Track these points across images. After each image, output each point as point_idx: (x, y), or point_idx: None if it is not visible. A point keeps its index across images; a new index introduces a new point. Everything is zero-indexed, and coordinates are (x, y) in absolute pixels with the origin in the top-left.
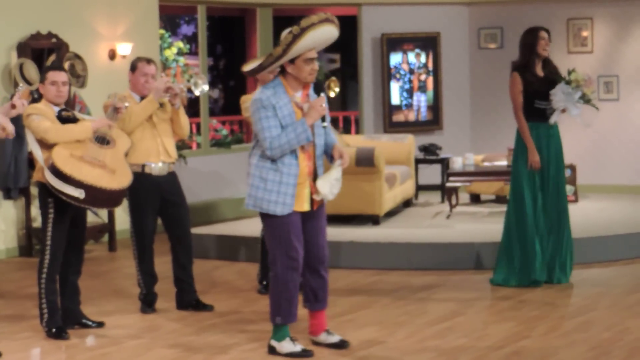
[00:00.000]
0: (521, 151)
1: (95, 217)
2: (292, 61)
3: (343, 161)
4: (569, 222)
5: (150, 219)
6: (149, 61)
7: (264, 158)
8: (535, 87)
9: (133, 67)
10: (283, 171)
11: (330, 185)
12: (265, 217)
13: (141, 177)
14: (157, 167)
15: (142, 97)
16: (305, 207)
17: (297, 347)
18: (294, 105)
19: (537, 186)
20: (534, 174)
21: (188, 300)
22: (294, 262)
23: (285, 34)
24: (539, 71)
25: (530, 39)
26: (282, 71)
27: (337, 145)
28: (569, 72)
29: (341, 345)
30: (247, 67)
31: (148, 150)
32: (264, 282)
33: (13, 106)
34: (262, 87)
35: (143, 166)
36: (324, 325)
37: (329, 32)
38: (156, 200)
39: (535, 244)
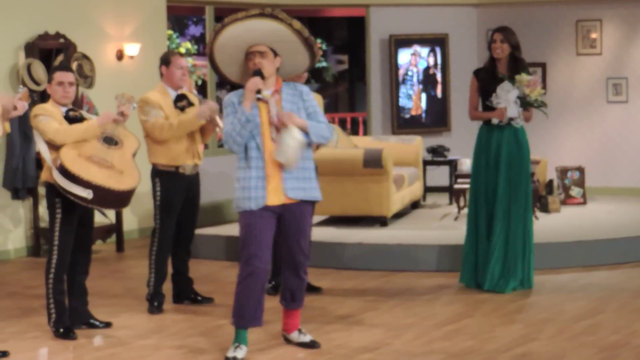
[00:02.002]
0: (478, 150)
1: (103, 217)
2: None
3: (279, 122)
4: (524, 229)
5: (175, 217)
6: (181, 54)
7: (239, 159)
8: (487, 87)
9: (166, 61)
10: (251, 166)
11: (283, 151)
12: (241, 217)
13: (174, 177)
14: (189, 167)
15: (177, 90)
16: (276, 200)
17: (236, 353)
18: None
19: (491, 192)
20: (490, 179)
21: (186, 293)
22: (250, 268)
23: None
24: (502, 70)
25: (489, 40)
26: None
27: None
28: (519, 73)
29: (312, 345)
30: None
31: (185, 152)
32: (273, 283)
33: (14, 108)
34: None
35: (177, 167)
36: (297, 325)
37: (252, 27)
38: (183, 199)
39: (477, 248)
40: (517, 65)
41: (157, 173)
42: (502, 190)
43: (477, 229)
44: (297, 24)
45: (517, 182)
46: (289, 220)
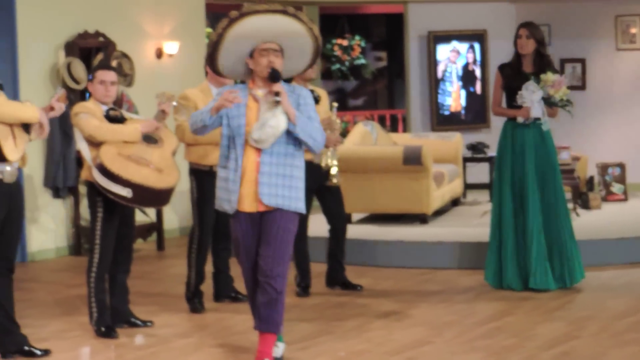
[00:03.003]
0: (503, 151)
1: (143, 216)
2: (251, 55)
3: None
4: (564, 226)
5: (213, 216)
6: None
7: (220, 157)
8: (512, 84)
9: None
10: (229, 167)
11: (259, 128)
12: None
13: (209, 175)
14: None
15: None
16: (248, 207)
17: (273, 352)
18: (251, 99)
19: (518, 189)
20: (516, 175)
21: (227, 291)
22: (242, 265)
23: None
24: (527, 67)
25: (515, 36)
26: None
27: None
28: (544, 70)
29: None
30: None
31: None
32: (302, 285)
33: (51, 108)
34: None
35: (211, 166)
36: (265, 354)
37: (271, 22)
38: None
39: (509, 248)
40: (542, 61)
41: (193, 171)
42: (532, 187)
43: (501, 225)
44: (316, 30)
45: (546, 176)
46: (264, 225)
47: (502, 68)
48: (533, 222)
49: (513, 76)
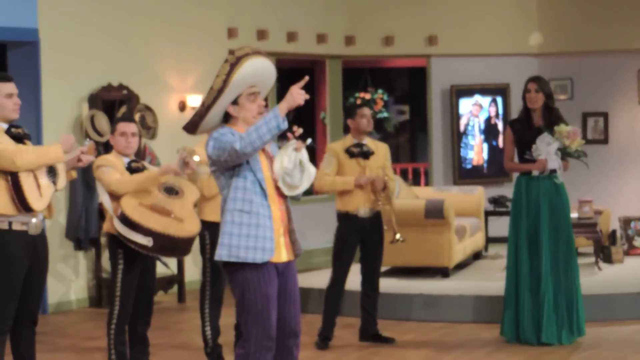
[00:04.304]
0: (518, 206)
1: (164, 268)
2: (234, 102)
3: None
4: (572, 277)
5: None
6: None
7: (235, 200)
8: (523, 138)
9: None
10: (259, 212)
11: (299, 173)
12: (238, 272)
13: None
14: None
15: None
16: (283, 257)
17: None
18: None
19: (534, 243)
20: (531, 229)
21: None
22: (270, 342)
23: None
24: (538, 121)
25: (523, 90)
26: (226, 119)
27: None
28: (559, 124)
29: None
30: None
31: None
32: (323, 336)
33: (79, 160)
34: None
35: None
36: None
37: (267, 66)
38: None
39: (525, 301)
40: (552, 115)
41: (206, 226)
42: (546, 241)
43: (517, 280)
44: None
45: (559, 231)
46: (287, 279)
47: (513, 123)
48: (546, 275)
49: (523, 131)
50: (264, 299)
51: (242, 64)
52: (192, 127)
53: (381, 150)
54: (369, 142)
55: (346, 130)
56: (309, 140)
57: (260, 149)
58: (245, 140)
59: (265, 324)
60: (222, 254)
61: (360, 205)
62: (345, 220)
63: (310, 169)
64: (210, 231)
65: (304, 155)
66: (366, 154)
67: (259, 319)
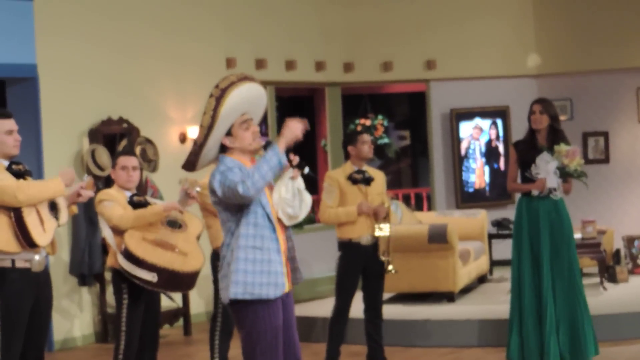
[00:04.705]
0: (519, 227)
1: (170, 301)
2: (228, 133)
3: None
4: (579, 300)
5: None
6: None
7: (247, 237)
8: (526, 159)
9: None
10: (270, 248)
11: (298, 203)
12: (248, 308)
13: None
14: None
15: None
16: (287, 287)
17: None
18: None
19: (535, 263)
20: (533, 250)
21: None
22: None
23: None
24: (542, 142)
25: (529, 112)
26: (223, 149)
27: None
28: (559, 144)
29: None
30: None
31: None
32: None
33: (78, 195)
34: (219, 162)
35: None
36: None
37: (255, 90)
38: None
39: (529, 323)
40: (556, 136)
41: (218, 257)
42: (546, 261)
43: (521, 302)
44: None
45: (560, 250)
46: (288, 308)
47: (517, 144)
48: (547, 296)
49: (527, 151)
50: (274, 331)
51: (228, 95)
52: (190, 165)
53: (379, 178)
54: (368, 169)
55: (347, 156)
56: (306, 169)
57: (264, 188)
58: (248, 183)
59: (274, 355)
60: (237, 292)
61: (363, 233)
62: (348, 248)
63: (307, 197)
64: None
65: (301, 183)
66: (368, 181)
67: (268, 351)
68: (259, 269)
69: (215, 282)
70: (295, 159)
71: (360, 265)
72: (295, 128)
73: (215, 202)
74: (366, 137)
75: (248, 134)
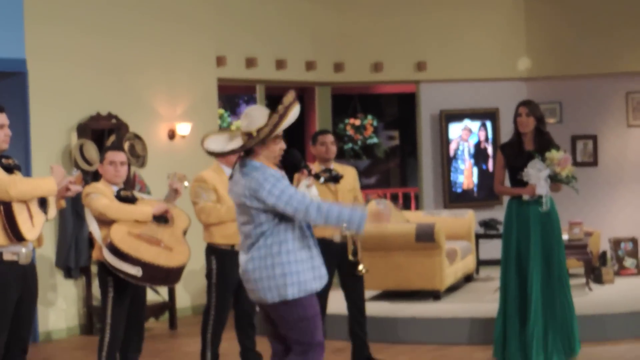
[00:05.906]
0: (509, 228)
1: (155, 294)
2: (262, 142)
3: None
4: (568, 301)
5: (232, 295)
6: None
7: (294, 240)
8: (514, 162)
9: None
10: (311, 244)
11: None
12: (297, 303)
13: (230, 255)
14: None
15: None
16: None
17: None
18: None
19: (524, 265)
20: (521, 253)
21: None
22: (320, 342)
23: (257, 115)
24: (528, 145)
25: (514, 114)
26: (249, 153)
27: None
28: (550, 150)
29: None
30: (212, 144)
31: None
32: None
33: (67, 189)
34: (253, 167)
35: (233, 245)
36: None
37: (298, 111)
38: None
39: (512, 323)
40: (543, 139)
41: (213, 251)
42: (537, 266)
43: (506, 301)
44: None
45: (551, 254)
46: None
47: (504, 147)
48: (535, 297)
49: (515, 155)
50: (315, 317)
51: (289, 113)
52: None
53: (350, 174)
54: (337, 167)
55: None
56: (322, 179)
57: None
58: (322, 216)
59: (321, 329)
60: (294, 292)
61: (335, 231)
62: (321, 246)
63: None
64: (217, 256)
65: (314, 191)
66: (336, 178)
67: (318, 328)
68: (308, 267)
69: (209, 275)
70: (313, 169)
71: (334, 264)
72: (386, 220)
73: (254, 208)
74: (325, 138)
75: (276, 148)
